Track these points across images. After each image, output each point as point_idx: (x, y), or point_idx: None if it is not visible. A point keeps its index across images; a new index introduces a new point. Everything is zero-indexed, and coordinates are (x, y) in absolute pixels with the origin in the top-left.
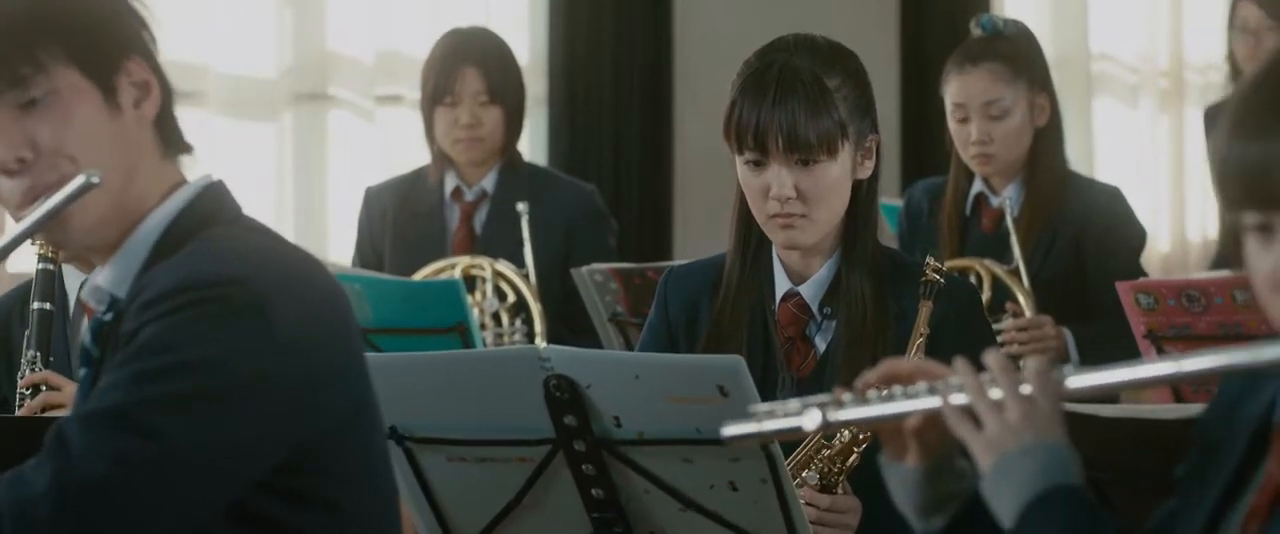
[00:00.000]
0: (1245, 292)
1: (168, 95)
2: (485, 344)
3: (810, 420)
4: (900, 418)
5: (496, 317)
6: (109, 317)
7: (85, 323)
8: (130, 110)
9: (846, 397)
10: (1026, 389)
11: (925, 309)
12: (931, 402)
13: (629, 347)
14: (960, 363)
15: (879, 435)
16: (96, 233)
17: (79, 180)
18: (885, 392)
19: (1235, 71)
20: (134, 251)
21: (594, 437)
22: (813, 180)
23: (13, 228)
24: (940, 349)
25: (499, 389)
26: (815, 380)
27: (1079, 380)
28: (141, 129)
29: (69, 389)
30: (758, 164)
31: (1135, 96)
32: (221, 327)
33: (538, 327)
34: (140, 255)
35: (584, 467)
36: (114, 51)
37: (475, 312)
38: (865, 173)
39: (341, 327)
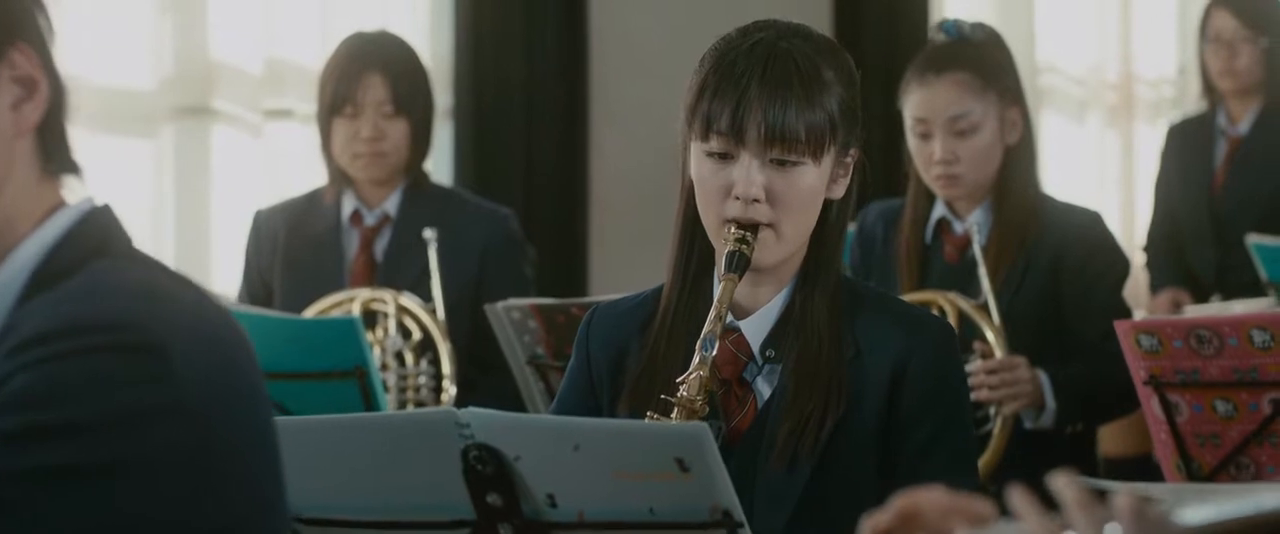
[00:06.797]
0: (1264, 331)
1: (58, 100)
2: (387, 387)
3: None
4: None
5: (400, 356)
6: None
7: None
8: (6, 110)
9: None
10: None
11: (729, 284)
12: None
13: (550, 393)
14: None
15: None
16: None
17: None
18: None
19: (1207, 85)
20: (3, 287)
21: (523, 518)
22: (787, 183)
23: None
24: (901, 394)
25: (407, 460)
26: (755, 433)
27: (1197, 517)
28: (18, 136)
29: None
30: (724, 157)
31: (1083, 111)
32: (115, 381)
33: (446, 368)
34: (11, 291)
35: None
36: None
37: (376, 351)
38: (838, 192)
39: (257, 392)
